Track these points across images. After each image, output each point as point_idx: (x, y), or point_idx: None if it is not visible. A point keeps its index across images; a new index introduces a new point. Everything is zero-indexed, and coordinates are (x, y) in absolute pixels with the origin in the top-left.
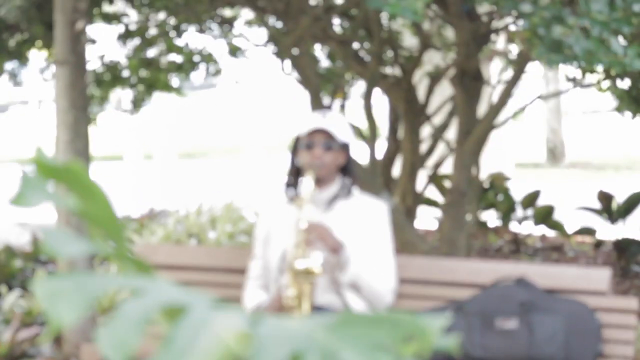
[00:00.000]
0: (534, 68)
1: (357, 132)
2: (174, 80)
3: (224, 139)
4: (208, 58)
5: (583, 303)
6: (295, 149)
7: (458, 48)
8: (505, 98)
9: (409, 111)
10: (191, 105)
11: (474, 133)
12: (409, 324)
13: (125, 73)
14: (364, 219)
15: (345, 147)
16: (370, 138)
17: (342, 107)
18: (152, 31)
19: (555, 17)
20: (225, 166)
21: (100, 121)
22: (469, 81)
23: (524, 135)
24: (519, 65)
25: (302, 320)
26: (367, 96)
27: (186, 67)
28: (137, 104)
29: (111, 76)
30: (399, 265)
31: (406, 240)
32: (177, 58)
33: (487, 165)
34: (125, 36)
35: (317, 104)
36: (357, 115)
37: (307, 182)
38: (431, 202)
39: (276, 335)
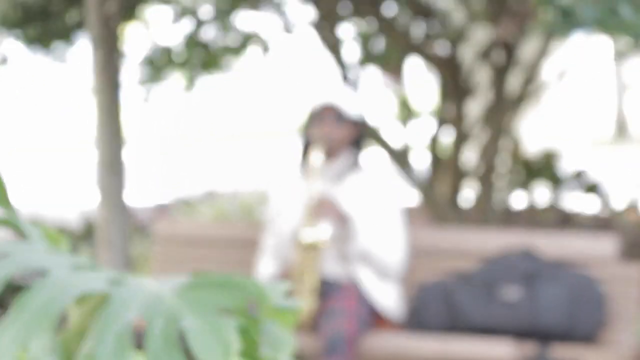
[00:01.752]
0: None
1: (406, 110)
2: (227, 61)
3: (289, 118)
4: (258, 38)
5: (587, 273)
6: (308, 124)
7: (489, 23)
8: (533, 71)
9: (455, 88)
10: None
11: (504, 108)
12: (251, 288)
13: (179, 55)
14: (372, 193)
15: (356, 122)
16: (402, 117)
17: (395, 85)
18: (205, 11)
19: None
20: (289, 146)
21: (157, 103)
22: (499, 56)
23: (592, 112)
24: (546, 38)
25: (160, 283)
26: (398, 72)
27: (239, 47)
28: (189, 84)
29: (165, 58)
30: (410, 234)
31: (436, 211)
32: (230, 38)
33: (549, 142)
34: (177, 17)
35: (347, 81)
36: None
37: (315, 156)
38: None
39: (129, 297)
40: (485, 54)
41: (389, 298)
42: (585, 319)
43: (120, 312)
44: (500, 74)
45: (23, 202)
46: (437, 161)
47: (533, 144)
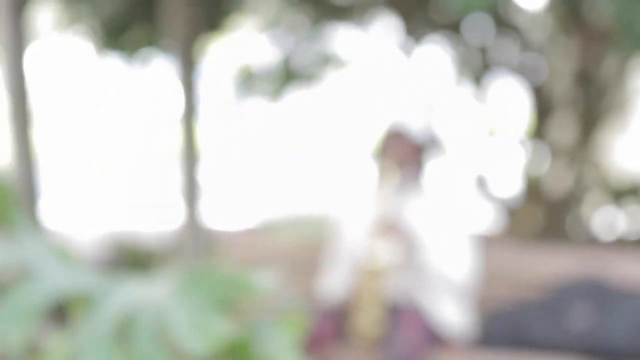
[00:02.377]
0: None
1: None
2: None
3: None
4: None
5: None
6: (377, 146)
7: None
8: (617, 88)
9: (540, 106)
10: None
11: (589, 126)
12: (239, 281)
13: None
14: (439, 214)
15: (424, 144)
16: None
17: (480, 98)
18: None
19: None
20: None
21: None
22: (588, 75)
23: None
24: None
25: (151, 284)
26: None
27: (328, 60)
28: (277, 94)
29: (252, 70)
30: (482, 258)
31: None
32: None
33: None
34: (266, 27)
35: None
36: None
37: (382, 178)
38: None
39: (115, 297)
40: (569, 73)
41: (455, 321)
42: None
43: (101, 312)
44: (584, 93)
45: (113, 218)
46: (526, 182)
47: (622, 162)
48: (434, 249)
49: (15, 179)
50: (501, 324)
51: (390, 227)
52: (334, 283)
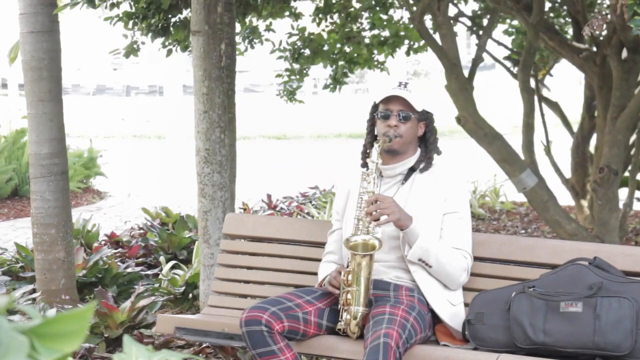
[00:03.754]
0: None
1: (557, 108)
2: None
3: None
4: (413, 34)
5: None
6: (373, 118)
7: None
8: None
9: (603, 87)
10: None
11: (629, 108)
12: None
13: (325, 48)
14: (440, 194)
15: (424, 118)
16: (525, 115)
17: (542, 83)
18: (355, 5)
19: None
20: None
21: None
22: (627, 53)
23: None
24: None
25: None
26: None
27: (392, 43)
28: (337, 80)
29: (310, 51)
30: (478, 242)
31: (552, 218)
32: (381, 33)
33: None
34: (325, 11)
35: (453, 79)
36: (558, 92)
37: (374, 153)
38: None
39: None
40: (610, 52)
41: (448, 306)
42: None
43: None
44: (626, 74)
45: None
46: (585, 160)
47: None
48: (430, 231)
49: (42, 153)
50: (491, 311)
51: (382, 206)
52: (330, 265)
